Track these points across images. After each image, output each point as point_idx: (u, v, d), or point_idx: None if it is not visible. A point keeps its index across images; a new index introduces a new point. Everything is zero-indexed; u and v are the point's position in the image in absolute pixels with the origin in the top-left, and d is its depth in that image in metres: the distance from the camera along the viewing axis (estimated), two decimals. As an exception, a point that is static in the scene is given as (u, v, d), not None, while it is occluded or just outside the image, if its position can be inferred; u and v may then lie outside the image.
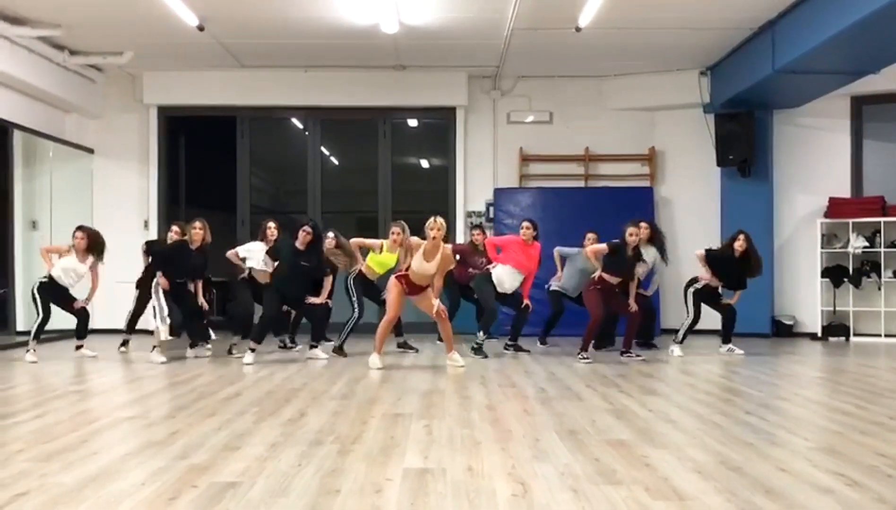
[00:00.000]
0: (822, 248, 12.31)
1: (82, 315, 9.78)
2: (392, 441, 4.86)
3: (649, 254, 10.02)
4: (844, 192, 12.53)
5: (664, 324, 12.25)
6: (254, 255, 9.76)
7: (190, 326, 9.91)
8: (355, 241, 9.99)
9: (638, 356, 9.30)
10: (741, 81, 11.54)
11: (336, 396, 6.61)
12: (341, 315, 10.10)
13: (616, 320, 10.16)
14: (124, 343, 10.34)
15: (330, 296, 10.00)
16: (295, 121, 14.08)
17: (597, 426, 5.33)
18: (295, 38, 11.25)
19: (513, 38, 11.11)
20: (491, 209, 13.14)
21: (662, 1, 9.72)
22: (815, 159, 12.68)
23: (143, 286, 9.90)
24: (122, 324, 10.11)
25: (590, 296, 9.37)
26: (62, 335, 10.69)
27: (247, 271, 9.85)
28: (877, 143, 12.69)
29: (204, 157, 14.53)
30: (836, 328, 12.19)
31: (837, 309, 12.31)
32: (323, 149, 13.88)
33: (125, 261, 11.77)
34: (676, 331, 10.09)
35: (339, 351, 9.54)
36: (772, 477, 4.03)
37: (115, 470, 4.17)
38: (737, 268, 9.87)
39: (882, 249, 12.03)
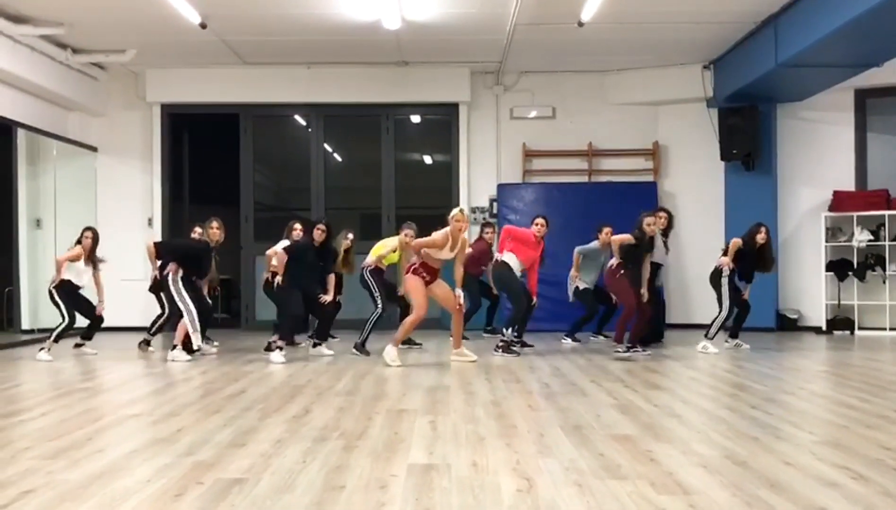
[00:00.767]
0: (826, 241, 12.29)
1: (98, 320, 9.75)
2: (397, 437, 4.87)
3: (659, 243, 9.92)
4: (848, 185, 12.51)
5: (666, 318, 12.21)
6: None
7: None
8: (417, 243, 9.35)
9: (640, 350, 9.10)
10: (744, 75, 11.52)
11: (341, 393, 6.62)
12: (345, 312, 10.12)
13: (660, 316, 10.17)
14: (146, 342, 10.22)
15: (339, 290, 10.03)
16: (298, 117, 14.08)
17: (602, 421, 5.33)
18: (297, 34, 11.25)
19: (515, 34, 11.10)
20: (494, 205, 13.14)
21: (665, -5, 9.72)
22: (819, 153, 12.66)
23: (164, 289, 9.59)
24: (126, 322, 10.10)
25: (620, 284, 9.18)
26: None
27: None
28: (881, 136, 12.66)
29: (207, 155, 14.55)
30: (840, 322, 12.17)
31: (842, 302, 12.29)
32: (326, 145, 13.88)
33: (129, 259, 11.86)
34: (707, 327, 9.83)
35: (360, 348, 9.41)
36: (777, 471, 4.03)
37: (120, 467, 4.18)
38: (753, 260, 9.76)
39: (886, 243, 12.01)
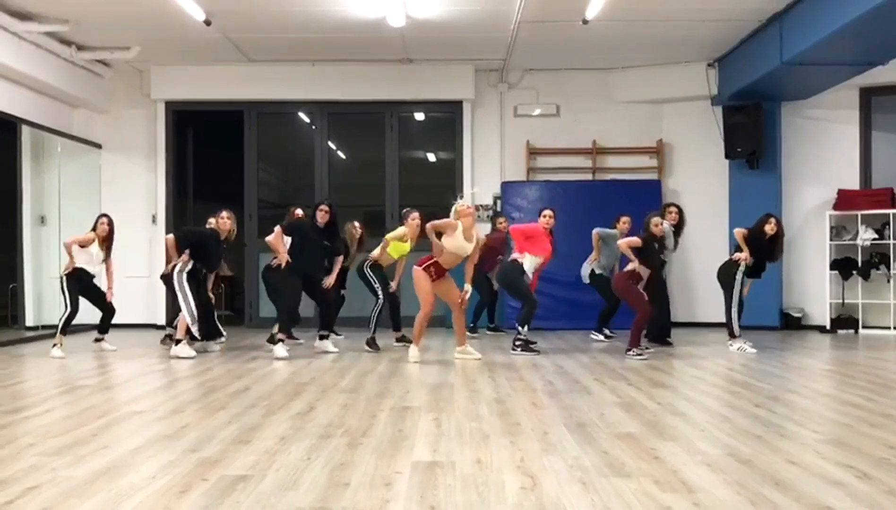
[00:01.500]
0: (830, 240, 12.26)
1: (110, 310, 9.74)
2: (401, 434, 4.87)
3: (669, 240, 9.90)
4: (853, 183, 12.48)
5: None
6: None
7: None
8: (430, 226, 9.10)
9: (647, 350, 9.08)
10: (749, 73, 11.49)
11: (345, 390, 6.63)
12: (349, 309, 10.09)
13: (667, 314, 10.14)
14: (169, 336, 10.21)
15: (343, 284, 10.02)
16: (302, 115, 14.08)
17: (605, 419, 5.33)
18: (302, 32, 11.25)
19: (519, 31, 11.09)
20: (498, 202, 13.13)
21: (670, -7, 9.70)
22: (824, 151, 12.63)
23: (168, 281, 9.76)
24: (130, 319, 10.09)
25: (630, 291, 9.08)
26: (75, 329, 10.64)
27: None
28: (886, 135, 12.63)
29: (211, 152, 14.55)
30: (844, 321, 12.15)
31: (846, 301, 12.27)
32: (330, 143, 13.88)
33: (134, 256, 11.85)
34: (727, 326, 9.69)
35: (371, 344, 9.44)
36: (781, 469, 4.03)
37: (125, 463, 4.19)
38: (763, 252, 9.64)
39: (891, 241, 11.97)
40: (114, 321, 9.88)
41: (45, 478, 3.89)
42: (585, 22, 10.26)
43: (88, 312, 9.90)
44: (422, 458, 4.26)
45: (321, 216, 9.23)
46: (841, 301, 12.29)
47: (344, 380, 7.21)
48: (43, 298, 12.04)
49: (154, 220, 13.18)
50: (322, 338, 9.41)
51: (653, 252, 9.20)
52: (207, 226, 9.81)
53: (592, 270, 10.47)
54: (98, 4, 10.07)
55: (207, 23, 10.35)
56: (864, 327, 12.11)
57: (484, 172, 13.27)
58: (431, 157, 14.72)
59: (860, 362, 8.92)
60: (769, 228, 9.55)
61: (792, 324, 12.44)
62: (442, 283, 8.57)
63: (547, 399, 6.17)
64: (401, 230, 9.74)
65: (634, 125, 13.19)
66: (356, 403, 5.96)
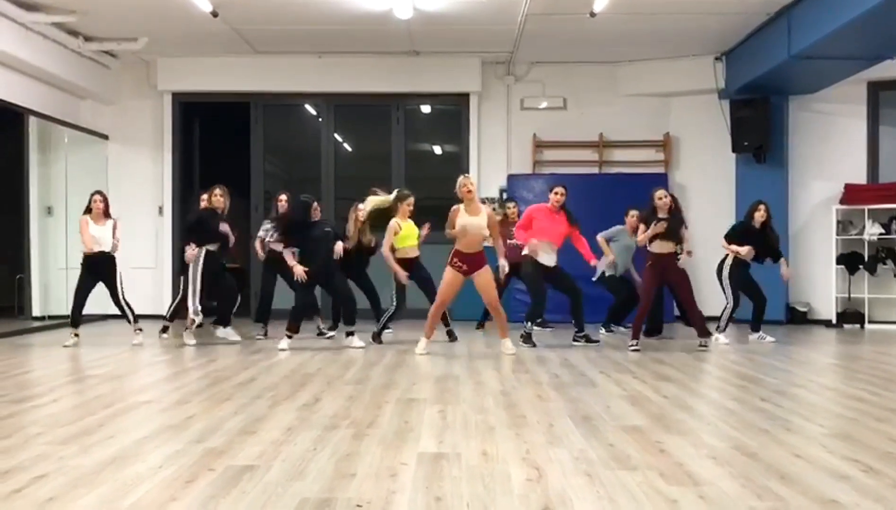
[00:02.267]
0: (837, 234, 12.24)
1: (117, 302, 9.64)
2: (407, 425, 4.88)
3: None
4: (860, 178, 12.45)
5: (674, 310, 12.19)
6: (269, 231, 9.96)
7: (222, 307, 9.82)
8: (386, 244, 9.45)
9: (703, 345, 8.91)
10: (756, 67, 11.46)
11: (350, 381, 6.64)
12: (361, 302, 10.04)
13: (662, 305, 10.09)
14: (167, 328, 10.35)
15: (360, 274, 10.02)
16: (308, 107, 14.08)
17: (611, 412, 5.33)
18: (309, 23, 11.24)
19: (527, 24, 11.07)
20: (504, 195, 13.11)
21: (678, -14, 9.68)
22: (831, 145, 12.60)
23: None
24: (138, 309, 10.03)
25: (644, 276, 9.17)
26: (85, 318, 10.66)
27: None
28: (893, 129, 12.59)
29: (218, 143, 14.54)
30: (850, 315, 12.14)
31: (852, 296, 12.25)
32: (336, 135, 13.88)
33: (140, 247, 11.86)
34: (718, 319, 9.83)
35: (375, 338, 9.45)
36: (787, 463, 4.03)
37: (132, 453, 4.21)
38: (760, 239, 9.67)
39: (898, 236, 11.97)
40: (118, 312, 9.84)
41: (52, 467, 3.91)
42: (593, 15, 10.25)
43: (95, 303, 9.88)
44: (427, 450, 4.27)
45: (315, 213, 9.21)
46: (847, 295, 12.27)
47: (350, 371, 7.22)
48: (49, 289, 12.08)
49: (160, 211, 13.21)
50: (349, 334, 9.14)
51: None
52: (201, 202, 9.87)
53: (603, 273, 10.39)
54: (105, -5, 10.09)
55: (214, 14, 10.36)
56: (870, 322, 12.09)
57: (490, 165, 13.26)
58: (437, 150, 14.71)
59: (866, 357, 8.91)
60: (759, 215, 9.61)
61: (798, 318, 12.42)
62: (478, 277, 8.40)
63: (553, 392, 6.17)
64: (391, 227, 9.50)
65: (641, 119, 13.17)
66: (362, 395, 5.97)
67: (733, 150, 12.47)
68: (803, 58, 10.35)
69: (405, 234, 9.53)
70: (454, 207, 8.48)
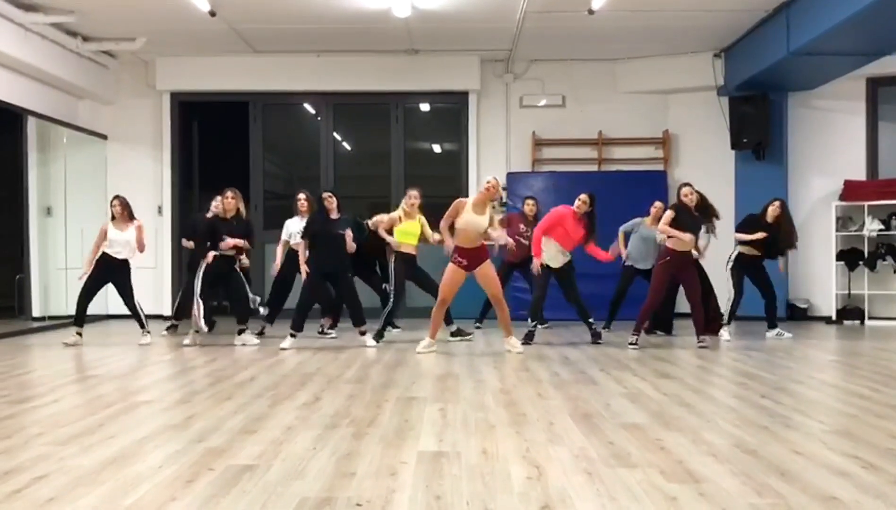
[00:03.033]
0: (837, 231, 12.24)
1: (129, 303, 9.60)
2: (407, 424, 4.88)
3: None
4: (860, 174, 12.45)
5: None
6: (293, 232, 9.87)
7: (236, 310, 9.60)
8: (378, 222, 9.63)
9: (703, 344, 8.89)
10: (756, 64, 11.46)
11: (350, 380, 6.64)
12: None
13: (674, 304, 10.07)
14: (174, 326, 10.45)
15: (371, 272, 10.01)
16: (307, 106, 14.07)
17: (611, 410, 5.34)
18: (307, 22, 11.23)
19: (525, 22, 11.06)
20: (504, 193, 13.08)
21: (676, -17, 9.67)
22: (831, 142, 12.60)
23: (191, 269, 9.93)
24: (141, 310, 10.04)
25: (657, 273, 9.13)
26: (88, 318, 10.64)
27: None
28: (893, 125, 12.59)
29: (217, 143, 14.54)
30: (850, 311, 12.14)
31: (852, 292, 12.25)
32: (335, 134, 13.87)
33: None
34: (770, 319, 9.91)
35: (376, 337, 9.43)
36: (787, 460, 4.03)
37: (132, 453, 4.21)
38: (773, 236, 9.67)
39: (898, 232, 11.97)
40: (121, 312, 9.86)
41: (53, 468, 3.91)
42: (591, 12, 10.24)
43: (96, 303, 9.88)
44: (427, 448, 4.27)
45: (329, 204, 9.04)
46: (847, 292, 12.27)
47: (349, 370, 7.22)
48: (49, 289, 12.07)
49: (160, 211, 13.20)
50: (362, 334, 9.10)
51: (688, 220, 8.99)
52: (213, 208, 9.80)
53: (624, 263, 10.40)
54: (103, -5, 10.08)
55: (213, 14, 10.35)
56: (870, 318, 12.09)
57: (489, 163, 13.24)
58: (437, 148, 14.71)
59: (866, 353, 8.92)
60: (771, 210, 9.64)
61: (797, 315, 12.42)
62: (480, 271, 8.38)
63: (553, 389, 6.17)
64: (394, 214, 9.64)
65: (640, 116, 13.16)
66: (362, 394, 5.97)
67: (732, 147, 12.46)
68: (802, 54, 10.35)
69: (405, 230, 9.54)
70: (460, 199, 8.49)
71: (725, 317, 9.76)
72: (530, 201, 11.03)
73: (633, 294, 10.27)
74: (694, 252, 9.23)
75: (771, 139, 12.18)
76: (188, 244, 10.08)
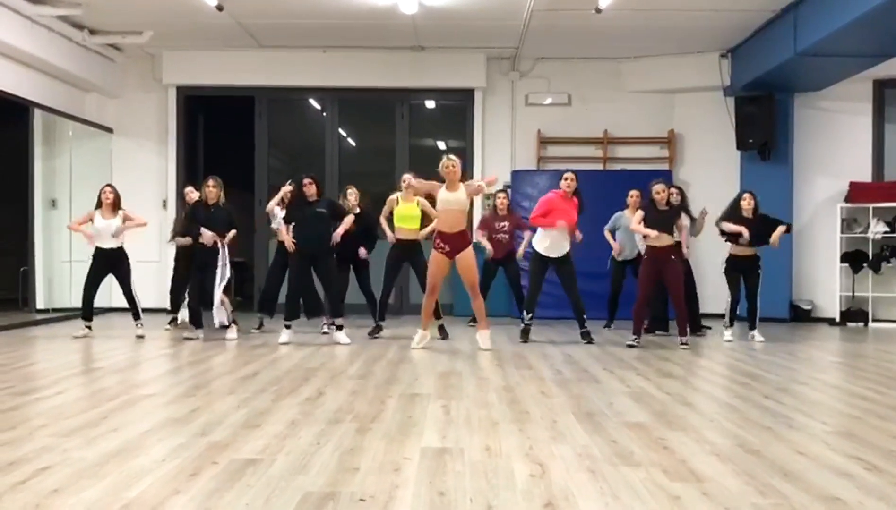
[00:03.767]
0: (841, 232, 12.23)
1: (127, 293, 9.62)
2: (410, 420, 4.88)
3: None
4: (865, 176, 12.44)
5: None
6: (279, 219, 9.87)
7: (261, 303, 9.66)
8: (383, 213, 9.73)
9: (684, 344, 8.85)
10: (762, 64, 11.44)
11: (354, 376, 6.65)
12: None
13: (667, 302, 9.98)
14: (175, 320, 10.52)
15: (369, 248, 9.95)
16: (313, 101, 14.08)
17: (614, 408, 5.34)
18: (314, 18, 11.24)
19: (532, 20, 11.05)
20: (508, 191, 13.08)
21: (683, -18, 9.65)
22: (836, 143, 12.59)
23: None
24: (143, 303, 10.05)
25: (640, 270, 9.22)
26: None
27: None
28: (899, 128, 12.59)
29: (222, 137, 14.56)
30: (854, 313, 12.13)
31: (856, 294, 12.24)
32: (340, 130, 13.88)
33: (143, 241, 11.84)
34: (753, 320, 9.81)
35: (374, 331, 9.50)
36: (790, 460, 4.03)
37: (135, 446, 4.22)
38: (754, 227, 9.52)
39: (902, 234, 11.95)
40: (124, 305, 9.85)
41: (56, 460, 3.92)
42: (598, 11, 10.23)
43: (99, 295, 9.88)
44: (431, 445, 4.27)
45: (308, 189, 8.95)
46: (851, 294, 12.26)
47: (353, 366, 7.23)
48: (53, 281, 12.10)
49: (164, 204, 13.21)
50: (338, 329, 9.04)
51: (657, 216, 8.96)
52: (187, 196, 10.02)
53: (612, 259, 10.50)
54: (111, -12, 10.09)
55: (220, 8, 10.34)
56: (873, 320, 12.09)
57: (494, 161, 13.25)
58: (442, 145, 14.70)
59: (869, 355, 8.91)
60: (745, 204, 9.57)
61: (801, 316, 12.41)
62: (461, 259, 8.40)
63: (556, 388, 6.17)
64: (391, 198, 9.67)
65: (646, 115, 13.16)
66: (365, 389, 5.98)
67: (738, 148, 12.45)
68: (809, 55, 10.33)
69: (402, 213, 9.51)
70: (434, 184, 8.57)
71: (726, 320, 9.72)
72: (501, 194, 10.93)
73: (631, 290, 10.28)
74: (685, 249, 9.19)
75: (776, 140, 12.17)
76: (183, 241, 9.99)
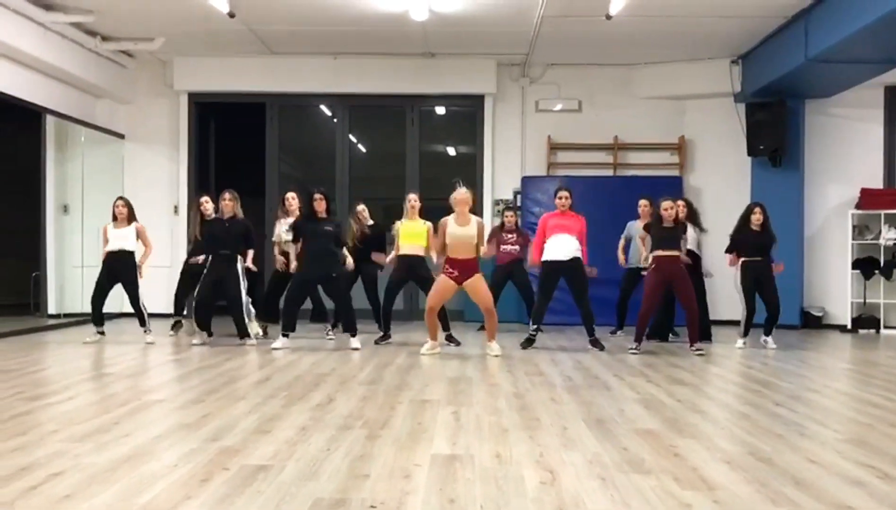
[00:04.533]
0: (852, 239, 12.19)
1: (133, 299, 9.65)
2: (420, 427, 4.88)
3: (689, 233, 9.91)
4: (877, 183, 12.39)
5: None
6: (281, 231, 9.97)
7: (233, 315, 9.38)
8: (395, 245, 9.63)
9: (699, 351, 8.82)
10: (773, 70, 11.42)
11: (364, 382, 6.65)
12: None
13: (674, 312, 10.00)
14: (179, 323, 10.58)
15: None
16: (324, 108, 14.12)
17: (625, 415, 5.32)
18: (325, 24, 11.27)
19: (542, 26, 11.06)
20: (518, 197, 13.11)
21: (694, -11, 9.65)
22: (848, 149, 12.55)
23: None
24: (154, 309, 10.12)
25: (646, 280, 9.17)
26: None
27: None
28: (910, 134, 12.54)
29: (233, 143, 14.60)
30: (865, 320, 12.08)
31: (867, 301, 12.19)
32: (351, 136, 13.91)
33: (155, 246, 11.87)
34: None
35: (381, 339, 9.55)
36: (801, 468, 4.02)
37: (147, 451, 4.23)
38: (759, 240, 9.49)
39: (914, 241, 11.90)
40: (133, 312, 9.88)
41: (68, 465, 3.93)
42: (609, 17, 10.22)
43: (110, 301, 9.91)
44: (441, 451, 4.27)
45: (319, 205, 8.88)
46: (862, 300, 12.21)
47: (363, 372, 7.24)
48: (65, 286, 12.15)
49: (176, 210, 13.26)
50: (352, 334, 8.96)
51: (662, 234, 8.99)
52: (203, 205, 10.03)
53: (625, 267, 10.52)
54: (123, -5, 10.14)
55: (231, 15, 10.39)
56: (885, 327, 12.04)
57: (504, 167, 13.27)
58: (452, 151, 14.72)
59: (881, 362, 8.86)
60: (755, 218, 9.49)
61: (812, 323, 12.37)
62: (470, 284, 8.50)
63: (566, 394, 6.16)
64: (395, 227, 9.61)
65: (656, 121, 13.15)
66: (375, 395, 5.98)
67: (749, 154, 12.43)
68: (820, 61, 10.31)
69: (407, 231, 9.47)
70: (443, 219, 8.57)
71: (741, 329, 9.65)
72: (509, 213, 11.10)
73: (639, 298, 10.28)
74: (683, 258, 9.17)
75: (787, 146, 12.14)
76: (199, 259, 9.86)
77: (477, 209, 11.19)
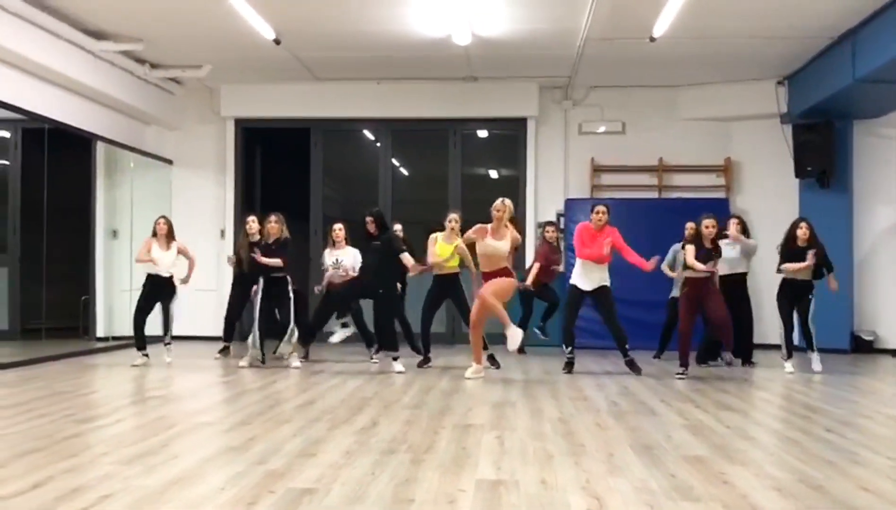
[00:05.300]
0: (904, 261, 11.96)
1: (165, 316, 9.89)
2: (464, 451, 4.87)
3: (734, 249, 9.79)
4: (928, 204, 12.17)
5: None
6: (327, 262, 10.13)
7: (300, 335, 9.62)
8: (429, 254, 9.59)
9: (729, 363, 8.81)
10: (820, 91, 11.29)
11: (407, 406, 6.65)
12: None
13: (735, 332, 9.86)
14: (227, 348, 10.69)
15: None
16: (367, 132, 14.23)
17: (672, 441, 5.26)
18: (368, 50, 11.38)
19: (586, 48, 11.06)
20: (562, 219, 13.07)
21: (739, 10, 9.57)
22: (897, 170, 12.34)
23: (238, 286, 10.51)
24: (199, 332, 10.28)
25: (680, 302, 9.15)
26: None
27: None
28: (961, 154, 12.30)
29: (279, 168, 14.76)
30: (919, 344, 11.84)
31: (920, 325, 11.94)
32: (394, 159, 13.99)
33: (202, 270, 12.04)
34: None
35: (422, 363, 9.57)
36: (854, 496, 3.93)
37: (195, 474, 4.26)
38: (804, 256, 9.29)
39: (968, 263, 11.63)
40: (183, 333, 10.06)
41: (118, 487, 3.98)
42: (653, 39, 10.19)
43: (154, 324, 10.07)
44: (486, 477, 4.25)
45: (370, 226, 9.17)
46: (915, 324, 11.96)
47: (406, 396, 7.24)
48: (113, 310, 12.33)
49: (222, 234, 13.42)
50: (394, 358, 9.08)
51: (701, 251, 8.92)
52: (249, 226, 10.11)
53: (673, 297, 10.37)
54: (171, 25, 10.33)
55: (277, 42, 10.54)
56: (939, 351, 11.77)
57: (547, 189, 13.25)
58: (494, 174, 14.73)
59: (936, 388, 8.66)
60: (801, 233, 9.33)
61: (863, 347, 12.12)
62: (494, 283, 8.53)
63: (611, 420, 6.10)
64: (431, 246, 9.54)
65: (701, 143, 13.05)
66: (419, 419, 5.97)
67: (796, 176, 12.27)
68: (868, 82, 10.18)
69: (441, 252, 9.43)
70: (480, 226, 8.63)
71: (783, 351, 9.48)
72: (550, 227, 11.12)
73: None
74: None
75: (836, 167, 11.98)
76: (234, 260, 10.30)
77: (520, 230, 11.16)
